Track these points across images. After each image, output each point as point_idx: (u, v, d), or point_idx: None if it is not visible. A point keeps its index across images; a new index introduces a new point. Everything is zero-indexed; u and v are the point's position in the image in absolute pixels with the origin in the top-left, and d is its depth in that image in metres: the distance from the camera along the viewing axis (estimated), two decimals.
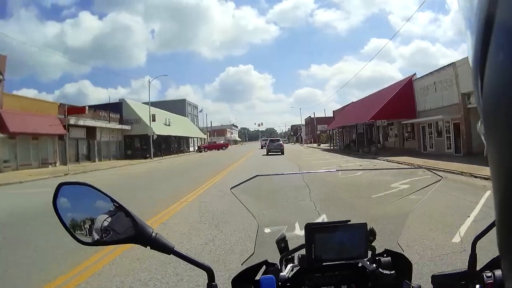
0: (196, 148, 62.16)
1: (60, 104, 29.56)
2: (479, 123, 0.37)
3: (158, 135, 41.24)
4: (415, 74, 29.83)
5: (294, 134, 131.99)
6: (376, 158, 24.15)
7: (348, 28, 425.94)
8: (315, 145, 69.35)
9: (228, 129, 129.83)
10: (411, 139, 31.05)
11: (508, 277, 0.34)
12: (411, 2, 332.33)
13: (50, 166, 27.50)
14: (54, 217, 0.92)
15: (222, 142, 73.33)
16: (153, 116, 40.81)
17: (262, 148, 55.93)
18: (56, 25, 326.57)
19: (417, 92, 28.59)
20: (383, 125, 32.24)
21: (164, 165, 27.54)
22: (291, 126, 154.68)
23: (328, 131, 61.61)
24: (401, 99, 28.95)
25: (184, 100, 77.89)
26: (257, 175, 1.24)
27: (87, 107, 32.10)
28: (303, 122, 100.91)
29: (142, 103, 47.27)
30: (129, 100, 45.77)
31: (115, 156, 39.70)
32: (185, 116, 70.02)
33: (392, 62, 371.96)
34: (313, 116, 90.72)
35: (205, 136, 72.22)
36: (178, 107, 70.18)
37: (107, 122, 37.80)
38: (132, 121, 42.28)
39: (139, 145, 43.43)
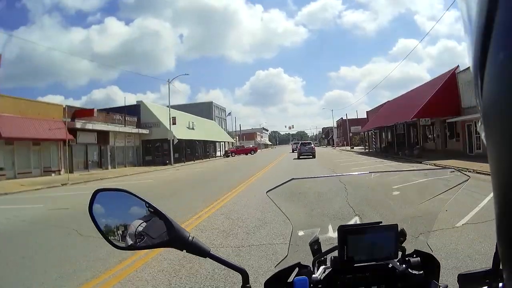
0: (223, 152, 59.59)
1: (66, 106, 27.54)
2: (479, 123, 0.37)
3: (180, 139, 38.89)
4: (458, 66, 26.00)
5: (325, 136, 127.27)
6: (421, 162, 20.47)
7: (376, 29, 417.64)
8: (347, 148, 65.26)
9: (258, 133, 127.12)
10: (454, 140, 27.09)
11: (508, 282, 0.34)
12: (436, 1, 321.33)
13: (53, 174, 25.70)
14: None
15: (251, 146, 70.34)
16: (174, 118, 38.48)
17: (293, 151, 54.08)
18: (81, 31, 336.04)
19: (461, 86, 24.87)
20: (427, 124, 28.23)
21: (180, 173, 24.86)
22: (322, 128, 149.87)
23: (361, 133, 57.40)
24: (443, 95, 25.36)
25: (211, 103, 74.65)
26: (292, 179, 1.26)
27: (95, 110, 30.20)
28: (335, 124, 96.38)
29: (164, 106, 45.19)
30: (148, 102, 43.82)
31: (132, 163, 37.86)
32: (212, 120, 67.84)
33: (419, 62, 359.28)
34: (345, 118, 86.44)
35: (233, 140, 69.73)
36: (204, 110, 68.20)
37: (122, 125, 35.71)
38: (151, 125, 40.11)
39: (160, 151, 41.38)
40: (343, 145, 75.61)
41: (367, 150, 45.17)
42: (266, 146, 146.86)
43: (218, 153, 62.43)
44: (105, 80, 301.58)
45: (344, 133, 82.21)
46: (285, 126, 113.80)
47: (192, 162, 43.89)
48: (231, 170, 24.88)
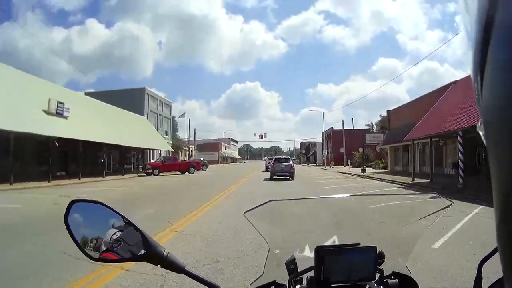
0: (148, 166, 34.81)
1: None
2: (479, 123, 0.37)
3: (66, 140, 17.07)
4: None
5: (305, 152, 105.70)
6: None
7: (356, 46, 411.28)
8: (343, 168, 43.42)
9: (223, 144, 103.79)
10: None
11: None
12: (420, 20, 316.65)
13: None
14: None
15: (195, 159, 47.25)
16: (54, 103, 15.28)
17: (267, 170, 34.52)
18: (62, 31, 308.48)
19: None
20: None
21: None
22: (300, 143, 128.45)
23: (379, 148, 35.86)
24: None
25: (143, 89, 47.16)
26: (271, 200, 1.25)
27: None
28: (322, 137, 74.65)
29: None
30: None
31: None
32: (143, 116, 44.32)
33: (399, 83, 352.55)
34: (335, 129, 64.96)
35: (170, 149, 46.03)
36: (134, 101, 44.77)
37: None
38: None
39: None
40: (330, 164, 53.53)
41: (408, 180, 22.93)
42: (234, 160, 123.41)
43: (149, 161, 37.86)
44: (83, 83, 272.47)
45: (336, 148, 60.54)
46: (255, 135, 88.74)
47: (77, 181, 21.79)
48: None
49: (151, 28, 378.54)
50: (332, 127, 61.66)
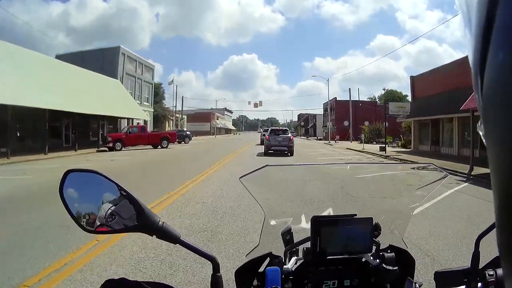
0: (108, 138, 27.17)
1: None
2: (479, 123, 0.37)
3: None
4: None
5: (304, 125, 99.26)
6: None
7: (355, 22, 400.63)
8: (351, 144, 37.27)
9: (216, 114, 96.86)
10: None
11: (508, 279, 0.33)
12: (420, 0, 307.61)
13: None
14: None
15: (171, 130, 40.71)
16: None
17: (262, 143, 29.33)
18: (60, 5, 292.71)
19: None
20: None
21: None
22: (298, 115, 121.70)
23: (403, 121, 29.42)
24: None
25: (118, 48, 39.24)
26: (267, 165, 1.26)
27: None
28: (325, 108, 68.11)
29: None
30: None
31: None
32: (117, 79, 37.28)
33: (397, 60, 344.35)
34: (339, 99, 58.25)
35: (146, 118, 39.10)
36: (106, 61, 37.70)
37: None
38: None
39: None
40: (333, 138, 47.05)
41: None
42: (228, 131, 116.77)
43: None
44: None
45: (339, 121, 54.13)
46: (249, 103, 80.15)
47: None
48: None
49: (148, 1, 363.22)
50: (336, 97, 55.08)
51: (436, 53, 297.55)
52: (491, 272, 0.99)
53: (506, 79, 0.30)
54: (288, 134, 22.45)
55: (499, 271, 0.98)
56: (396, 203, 1.33)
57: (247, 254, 1.12)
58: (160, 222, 0.91)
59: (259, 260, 1.10)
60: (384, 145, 26.74)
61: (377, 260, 1.10)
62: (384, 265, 1.08)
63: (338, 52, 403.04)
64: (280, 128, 25.00)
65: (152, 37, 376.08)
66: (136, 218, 0.91)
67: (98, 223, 0.91)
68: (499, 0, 0.30)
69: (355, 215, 1.10)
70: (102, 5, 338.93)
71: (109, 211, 0.91)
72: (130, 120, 36.49)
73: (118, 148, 25.75)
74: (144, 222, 0.90)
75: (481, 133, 0.36)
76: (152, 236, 0.91)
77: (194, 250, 0.93)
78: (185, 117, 79.11)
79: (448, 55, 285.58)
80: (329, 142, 44.24)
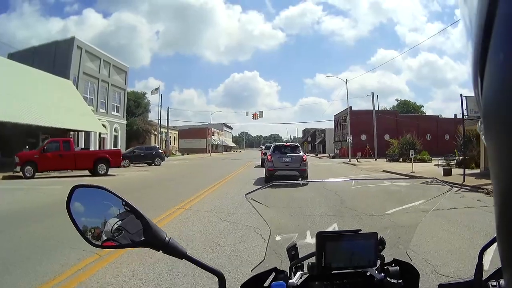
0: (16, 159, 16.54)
1: None
2: (479, 123, 0.37)
3: None
4: None
5: (311, 141, 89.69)
6: None
7: (355, 37, 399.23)
8: (381, 163, 27.90)
9: (214, 130, 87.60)
10: None
11: None
12: (419, 12, 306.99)
13: None
14: None
15: (112, 149, 26.47)
16: None
17: (263, 165, 19.15)
18: (60, 21, 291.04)
19: None
20: None
21: None
22: (303, 130, 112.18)
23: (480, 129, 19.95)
24: None
25: (72, 41, 29.54)
26: (273, 183, 1.28)
27: None
28: (324, 126, 58.72)
29: None
30: None
31: None
32: (69, 78, 28.04)
33: (398, 74, 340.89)
34: (355, 109, 48.85)
35: (103, 130, 29.53)
36: (58, 58, 28.79)
37: None
38: None
39: None
40: (363, 155, 36.97)
41: None
42: (227, 148, 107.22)
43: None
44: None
45: (356, 134, 44.57)
46: (247, 114, 64.97)
47: None
48: None
49: (147, 18, 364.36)
50: (351, 106, 45.69)
51: (437, 66, 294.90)
52: (494, 283, 0.99)
53: (506, 79, 0.30)
54: (300, 152, 15.83)
55: (503, 282, 0.96)
56: (400, 217, 1.33)
57: (252, 269, 1.12)
58: (166, 238, 0.92)
59: (265, 275, 1.10)
60: (448, 167, 17.31)
61: (382, 274, 1.11)
62: (389, 279, 1.10)
63: (339, 68, 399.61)
64: (288, 144, 17.84)
65: (153, 55, 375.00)
66: (143, 234, 0.91)
67: (104, 237, 0.91)
68: (499, 0, 0.30)
69: (360, 230, 1.10)
70: (102, 22, 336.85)
71: (115, 226, 0.91)
72: (92, 133, 27.38)
73: (29, 175, 16.27)
74: (150, 238, 0.90)
75: (481, 134, 0.36)
76: (158, 251, 0.91)
77: (201, 265, 0.94)
78: (177, 132, 69.88)
79: (449, 67, 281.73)
80: (349, 160, 34.39)
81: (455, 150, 24.08)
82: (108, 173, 18.47)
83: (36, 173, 16.74)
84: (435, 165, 23.32)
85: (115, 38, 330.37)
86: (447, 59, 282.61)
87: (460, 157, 20.51)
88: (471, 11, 0.34)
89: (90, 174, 18.05)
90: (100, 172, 18.08)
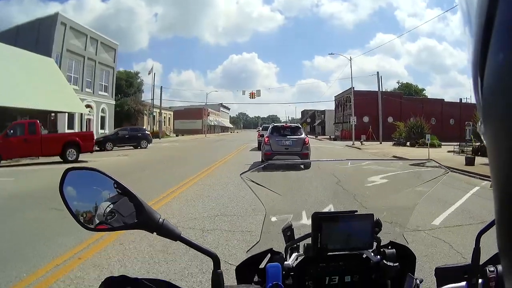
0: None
1: None
2: (479, 123, 0.37)
3: None
4: None
5: (310, 122, 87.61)
6: None
7: (354, 21, 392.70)
8: (387, 147, 26.16)
9: (210, 110, 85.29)
10: None
11: (507, 275, 0.33)
12: None
13: None
14: None
15: (84, 131, 24.59)
16: None
17: (260, 148, 17.97)
18: (58, 5, 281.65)
19: None
20: None
21: None
22: (301, 111, 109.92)
23: None
24: None
25: (55, 17, 27.15)
26: (268, 162, 1.24)
27: None
28: (332, 104, 56.51)
29: None
30: None
31: None
32: (51, 56, 25.75)
33: (397, 58, 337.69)
34: (357, 89, 46.57)
35: (84, 111, 27.50)
36: (42, 35, 26.47)
37: None
38: None
39: None
40: (367, 138, 34.79)
41: None
42: (224, 129, 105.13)
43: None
44: None
45: (358, 116, 42.49)
46: (243, 93, 57.01)
47: None
48: None
49: (146, 1, 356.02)
50: (354, 87, 43.47)
51: (436, 51, 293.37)
52: (492, 268, 0.99)
53: (506, 79, 0.30)
54: (301, 134, 14.30)
55: (500, 267, 0.95)
56: (396, 200, 1.33)
57: (248, 250, 1.12)
58: (160, 219, 0.89)
59: (260, 256, 1.10)
60: (471, 155, 15.45)
61: (378, 256, 1.10)
62: (385, 261, 1.08)
63: (337, 51, 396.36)
64: (288, 125, 15.92)
65: (151, 37, 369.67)
66: (136, 216, 0.89)
67: (97, 220, 0.90)
68: (499, 0, 0.30)
69: (356, 211, 1.10)
70: (100, 5, 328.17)
71: (108, 208, 0.90)
72: (76, 115, 25.30)
73: None
74: (144, 220, 0.88)
75: (481, 133, 0.36)
76: (152, 233, 0.89)
77: (195, 247, 0.92)
78: (171, 113, 67.59)
79: (448, 53, 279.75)
80: (353, 143, 32.49)
81: (472, 136, 22.00)
82: (79, 159, 16.07)
83: (2, 161, 14.53)
84: (449, 151, 21.41)
85: (114, 21, 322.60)
86: (446, 45, 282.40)
87: (477, 144, 18.50)
88: (471, 11, 0.34)
89: (61, 160, 15.69)
90: (69, 158, 15.76)
